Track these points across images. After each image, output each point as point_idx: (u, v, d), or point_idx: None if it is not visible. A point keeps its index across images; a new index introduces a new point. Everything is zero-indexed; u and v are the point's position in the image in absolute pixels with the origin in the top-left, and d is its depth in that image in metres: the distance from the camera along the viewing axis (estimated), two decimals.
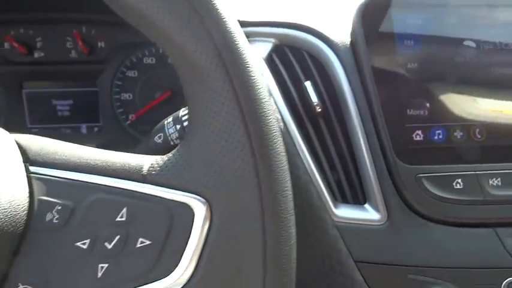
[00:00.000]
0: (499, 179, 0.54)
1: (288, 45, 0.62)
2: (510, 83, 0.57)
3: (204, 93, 0.34)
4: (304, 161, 0.56)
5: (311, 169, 0.56)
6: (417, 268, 0.53)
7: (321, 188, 0.55)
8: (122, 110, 0.80)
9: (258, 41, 0.64)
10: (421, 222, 0.54)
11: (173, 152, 0.36)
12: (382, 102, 0.55)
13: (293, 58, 0.62)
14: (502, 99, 0.56)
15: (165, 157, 0.36)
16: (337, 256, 0.53)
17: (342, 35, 0.61)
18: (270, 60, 0.62)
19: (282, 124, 0.57)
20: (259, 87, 0.35)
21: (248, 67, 0.34)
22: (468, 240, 0.54)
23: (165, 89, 0.78)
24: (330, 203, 0.55)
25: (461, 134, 0.56)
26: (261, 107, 0.34)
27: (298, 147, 0.56)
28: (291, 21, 0.63)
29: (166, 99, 0.78)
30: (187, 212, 0.34)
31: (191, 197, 0.34)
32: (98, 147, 0.39)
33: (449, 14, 0.58)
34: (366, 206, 0.56)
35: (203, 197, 0.34)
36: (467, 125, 0.56)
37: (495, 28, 0.59)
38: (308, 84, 0.58)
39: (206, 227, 0.34)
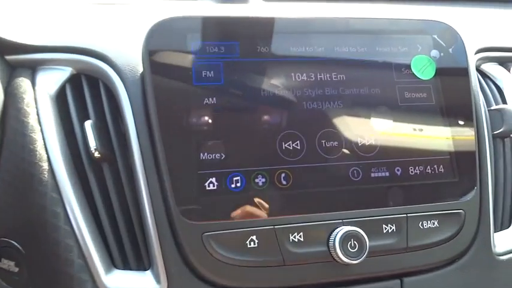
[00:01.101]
0: (301, 233, 0.47)
1: (86, 75, 0.53)
2: (322, 118, 0.51)
3: None
4: (72, 219, 0.45)
5: (79, 229, 0.45)
6: None
7: (89, 253, 0.45)
8: None
9: (53, 69, 0.53)
10: None
11: None
12: (168, 144, 0.46)
13: (88, 91, 0.52)
14: (311, 139, 0.49)
15: None
16: None
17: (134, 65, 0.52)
18: (61, 94, 0.52)
19: None
20: None
21: None
22: None
23: None
24: (99, 269, 0.44)
25: (263, 180, 0.47)
26: None
27: (66, 202, 0.46)
28: (88, 47, 0.53)
29: None
30: None
31: None
32: None
33: (256, 44, 0.52)
34: (148, 272, 0.46)
35: None
36: (272, 170, 0.48)
37: (308, 61, 0.53)
38: (88, 124, 0.49)
39: None
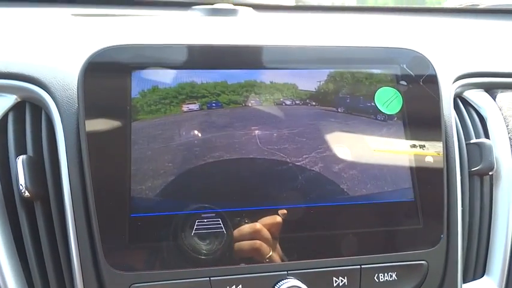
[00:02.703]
0: (239, 286, 0.43)
1: (31, 104, 0.50)
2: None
3: None
4: None
5: (2, 275, 0.42)
6: None
7: None
8: None
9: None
10: None
11: None
12: (99, 185, 0.43)
13: (29, 121, 0.49)
14: (248, 180, 0.46)
15: None
16: None
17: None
18: (2, 122, 0.49)
19: None
20: None
21: None
22: None
23: None
24: None
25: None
26: None
27: None
28: (32, 74, 0.50)
29: None
30: None
31: None
32: None
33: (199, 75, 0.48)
34: None
35: None
36: (209, 213, 0.44)
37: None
38: (20, 160, 0.46)
39: None
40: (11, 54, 0.53)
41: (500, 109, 0.61)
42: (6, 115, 0.49)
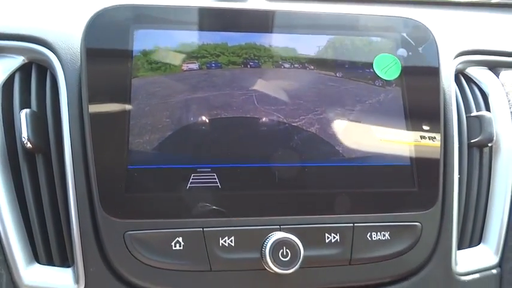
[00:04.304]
0: (232, 238, 0.43)
1: (37, 64, 0.51)
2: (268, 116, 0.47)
3: None
4: None
5: (1, 219, 0.43)
6: None
7: (9, 244, 0.43)
8: None
9: (4, 57, 0.52)
10: None
11: None
12: (98, 137, 0.44)
13: (35, 80, 0.50)
14: (245, 138, 0.46)
15: None
16: None
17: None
18: (9, 82, 0.50)
19: None
20: None
21: None
22: None
23: None
24: (19, 265, 0.42)
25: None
26: None
27: None
28: (38, 35, 0.51)
29: None
30: None
31: None
32: None
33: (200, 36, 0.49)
34: (70, 270, 0.44)
35: None
36: (205, 168, 0.45)
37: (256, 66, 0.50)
38: (24, 113, 0.47)
39: None
40: (20, 17, 0.55)
41: (502, 85, 0.61)
42: (13, 75, 0.50)
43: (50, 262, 0.45)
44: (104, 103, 0.45)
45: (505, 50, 0.64)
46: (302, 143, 0.47)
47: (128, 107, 0.45)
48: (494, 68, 0.63)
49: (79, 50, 0.48)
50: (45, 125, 0.48)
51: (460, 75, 0.60)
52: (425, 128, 0.50)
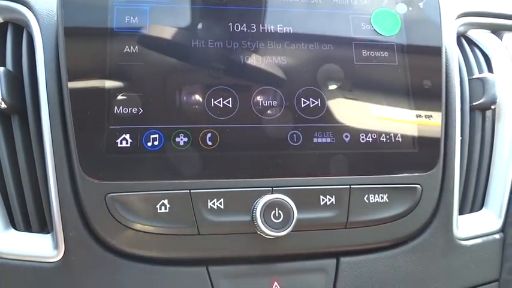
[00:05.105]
0: (221, 200, 0.41)
1: (13, 24, 0.48)
2: (261, 74, 0.44)
3: None
4: None
5: None
6: None
7: None
8: None
9: None
10: (109, 259, 0.39)
11: None
12: (77, 95, 0.41)
13: (10, 40, 0.47)
14: (245, 97, 0.43)
15: None
16: None
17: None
18: None
19: None
20: None
21: None
22: (169, 282, 0.40)
23: None
24: None
25: (185, 139, 0.42)
26: None
27: None
28: None
29: None
30: None
31: None
32: None
33: None
34: (48, 235, 0.41)
35: None
36: (196, 129, 0.42)
37: (249, 9, 0.46)
38: None
39: None
40: None
41: (506, 48, 0.58)
42: None
43: (28, 229, 0.42)
44: (82, 61, 0.42)
45: (509, 13, 0.61)
46: (296, 102, 0.44)
47: (107, 64, 0.42)
48: (498, 31, 0.61)
49: (55, 7, 0.45)
50: (20, 85, 0.45)
51: (462, 38, 0.58)
52: (427, 87, 0.47)
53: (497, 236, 0.47)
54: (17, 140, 0.43)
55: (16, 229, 0.42)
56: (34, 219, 0.42)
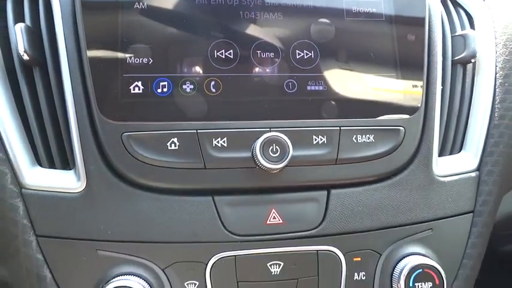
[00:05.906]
0: (224, 139, 0.46)
1: None
2: (259, 28, 0.49)
3: None
4: None
5: (3, 124, 0.45)
6: (110, 243, 0.44)
7: (11, 148, 0.45)
8: None
9: None
10: (126, 190, 0.45)
11: None
12: (93, 47, 0.45)
13: None
14: (245, 49, 0.48)
15: None
16: (14, 230, 0.43)
17: None
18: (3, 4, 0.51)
19: None
20: None
21: None
22: (179, 210, 0.45)
23: None
24: (22, 166, 0.45)
25: (192, 87, 0.47)
26: None
27: None
28: None
29: None
30: None
31: None
32: None
33: None
34: (71, 171, 0.46)
35: None
36: (201, 77, 0.47)
37: None
38: (19, 27, 0.48)
39: None
40: None
41: (488, 8, 0.62)
42: None
43: (52, 166, 0.47)
44: (98, 15, 0.47)
45: None
46: (291, 54, 0.49)
47: (120, 18, 0.47)
48: None
49: None
50: (39, 39, 0.49)
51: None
52: (411, 40, 0.52)
53: (473, 174, 0.52)
54: (39, 88, 0.48)
55: (42, 166, 0.47)
56: (57, 157, 0.47)
